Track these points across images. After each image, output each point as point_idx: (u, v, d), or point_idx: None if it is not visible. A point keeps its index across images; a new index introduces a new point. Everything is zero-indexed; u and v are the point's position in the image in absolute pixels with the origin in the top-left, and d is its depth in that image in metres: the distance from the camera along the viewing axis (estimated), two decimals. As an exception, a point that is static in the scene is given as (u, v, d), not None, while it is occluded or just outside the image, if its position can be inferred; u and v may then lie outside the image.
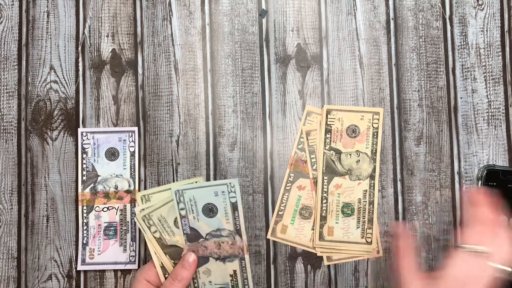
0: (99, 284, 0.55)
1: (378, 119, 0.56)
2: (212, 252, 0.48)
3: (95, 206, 0.55)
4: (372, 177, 0.55)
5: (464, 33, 0.58)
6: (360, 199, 0.55)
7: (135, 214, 0.49)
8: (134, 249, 0.55)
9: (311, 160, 0.55)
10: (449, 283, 0.42)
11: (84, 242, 0.55)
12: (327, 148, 0.55)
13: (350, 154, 0.55)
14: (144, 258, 0.55)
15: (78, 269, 0.55)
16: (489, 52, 0.57)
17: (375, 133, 0.56)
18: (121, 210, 0.55)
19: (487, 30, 0.58)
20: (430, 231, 0.52)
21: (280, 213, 0.55)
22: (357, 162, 0.55)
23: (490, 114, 0.57)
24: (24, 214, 0.56)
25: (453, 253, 0.44)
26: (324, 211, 0.55)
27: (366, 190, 0.55)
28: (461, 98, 0.57)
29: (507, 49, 0.58)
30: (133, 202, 0.55)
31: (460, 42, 0.58)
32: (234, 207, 0.47)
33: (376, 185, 0.55)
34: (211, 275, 0.49)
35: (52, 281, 0.55)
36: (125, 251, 0.55)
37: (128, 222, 0.55)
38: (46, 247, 0.55)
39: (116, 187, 0.55)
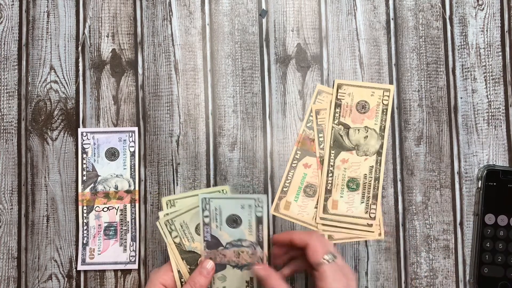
0: (99, 284, 0.55)
1: (389, 96, 0.56)
2: (230, 260, 0.48)
3: (95, 206, 0.55)
4: (379, 153, 0.55)
5: (464, 33, 0.58)
6: (366, 174, 0.55)
7: (158, 218, 0.49)
8: (134, 249, 0.55)
9: (318, 139, 0.55)
10: None
11: (84, 242, 0.55)
12: (335, 122, 0.55)
13: (358, 130, 0.55)
14: (144, 258, 0.55)
15: (78, 269, 0.55)
16: (489, 52, 0.57)
17: (385, 110, 0.56)
18: (121, 210, 0.55)
19: (487, 30, 0.58)
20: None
21: (284, 189, 0.55)
22: (365, 138, 0.55)
23: (490, 114, 0.57)
24: (24, 214, 0.56)
25: None
26: (330, 185, 0.55)
27: (372, 166, 0.55)
28: (461, 98, 0.57)
29: (507, 49, 0.58)
30: (133, 202, 0.55)
31: (460, 42, 0.58)
32: (259, 221, 0.47)
33: (383, 161, 0.55)
34: (226, 281, 0.49)
35: (52, 281, 0.55)
36: (125, 251, 0.55)
37: (128, 222, 0.55)
38: (46, 247, 0.55)
39: (116, 187, 0.55)
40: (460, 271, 0.56)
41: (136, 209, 0.55)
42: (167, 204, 0.50)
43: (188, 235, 0.49)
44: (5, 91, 0.57)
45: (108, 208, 0.55)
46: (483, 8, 0.58)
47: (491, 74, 0.57)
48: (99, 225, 0.55)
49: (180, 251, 0.49)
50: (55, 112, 0.57)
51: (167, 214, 0.48)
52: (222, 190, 0.50)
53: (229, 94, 0.57)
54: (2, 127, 0.57)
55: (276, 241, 0.50)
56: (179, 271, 0.48)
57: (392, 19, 0.58)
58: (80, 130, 0.56)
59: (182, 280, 0.48)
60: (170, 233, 0.48)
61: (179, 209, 0.48)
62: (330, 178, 0.55)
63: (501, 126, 0.57)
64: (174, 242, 0.49)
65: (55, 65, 0.57)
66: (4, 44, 0.57)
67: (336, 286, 0.43)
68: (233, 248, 0.48)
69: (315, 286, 0.45)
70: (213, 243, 0.48)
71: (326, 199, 0.55)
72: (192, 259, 0.49)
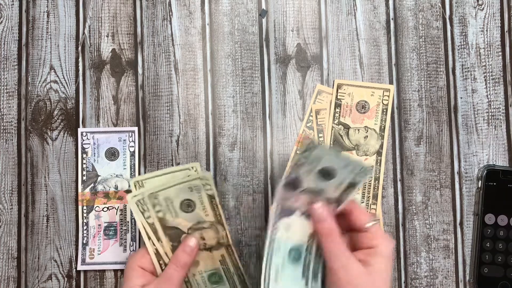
0: (99, 284, 0.55)
1: (389, 96, 0.56)
2: (301, 207, 0.45)
3: (95, 206, 0.55)
4: (379, 153, 0.55)
5: (464, 33, 0.58)
6: None
7: (131, 198, 0.46)
8: (134, 249, 0.55)
9: (318, 139, 0.56)
10: (385, 259, 0.42)
11: (84, 242, 0.55)
12: (335, 122, 0.55)
13: (358, 130, 0.56)
14: (144, 258, 0.55)
15: (78, 269, 0.55)
16: (489, 52, 0.57)
17: (385, 110, 0.56)
18: (121, 210, 0.55)
19: (487, 30, 0.58)
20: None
21: None
22: (365, 138, 0.55)
23: (490, 114, 0.57)
24: (24, 214, 0.56)
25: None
26: None
27: (372, 166, 0.55)
28: (461, 98, 0.57)
29: (507, 49, 0.58)
30: (133, 202, 0.55)
31: (460, 42, 0.58)
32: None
33: (383, 161, 0.55)
34: (290, 231, 0.45)
35: (52, 281, 0.55)
36: (125, 251, 0.55)
37: (128, 222, 0.55)
38: (46, 247, 0.55)
39: (116, 187, 0.55)
40: (460, 271, 0.56)
41: (136, 209, 0.55)
42: (135, 185, 0.48)
43: (172, 210, 0.47)
44: (5, 91, 0.57)
45: (108, 208, 0.55)
46: (483, 8, 0.58)
47: (491, 74, 0.57)
48: (99, 225, 0.55)
49: (164, 227, 0.47)
50: (55, 112, 0.57)
51: (148, 189, 0.47)
52: (192, 168, 0.49)
53: (229, 94, 0.57)
54: (2, 127, 0.57)
55: None
56: (157, 253, 0.47)
57: (392, 19, 0.58)
58: (80, 130, 0.56)
59: (160, 261, 0.47)
60: (153, 207, 0.47)
61: (163, 184, 0.47)
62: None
63: (501, 126, 0.57)
64: (158, 217, 0.47)
65: (55, 65, 0.57)
66: (4, 44, 0.57)
67: (389, 246, 0.43)
68: (309, 195, 0.44)
69: (362, 246, 0.43)
70: (293, 185, 0.44)
71: (326, 199, 0.55)
72: (175, 235, 0.48)
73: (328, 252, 0.42)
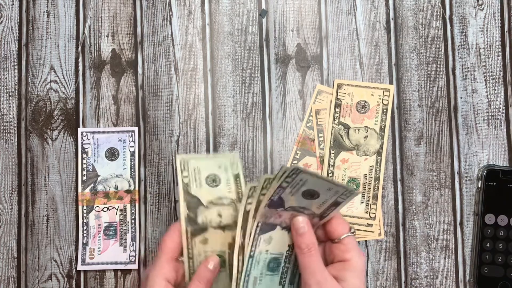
0: (99, 284, 0.55)
1: (389, 96, 0.56)
2: (283, 222, 0.45)
3: (95, 206, 0.55)
4: (379, 153, 0.55)
5: (464, 33, 0.58)
6: (366, 174, 0.55)
7: (175, 156, 0.46)
8: (134, 249, 0.55)
9: (318, 139, 0.56)
10: (358, 274, 0.42)
11: (84, 242, 0.55)
12: (335, 122, 0.56)
13: (358, 130, 0.56)
14: (144, 258, 0.55)
15: (78, 269, 0.55)
16: (489, 52, 0.57)
17: (385, 110, 0.56)
18: (121, 210, 0.55)
19: (487, 30, 0.58)
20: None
21: None
22: (365, 138, 0.55)
23: (490, 114, 0.57)
24: (24, 214, 0.56)
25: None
26: None
27: (372, 166, 0.55)
28: (461, 98, 0.57)
29: (507, 49, 0.58)
30: (133, 202, 0.55)
31: (460, 42, 0.58)
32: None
33: (383, 161, 0.55)
34: (271, 244, 0.45)
35: (52, 281, 0.55)
36: (125, 251, 0.55)
37: (128, 222, 0.55)
38: (46, 247, 0.55)
39: (116, 187, 0.55)
40: (460, 271, 0.56)
41: (136, 209, 0.55)
42: (181, 163, 0.48)
43: (198, 180, 0.47)
44: (5, 91, 0.57)
45: (108, 208, 0.55)
46: (483, 8, 0.58)
47: (491, 74, 0.57)
48: (99, 225, 0.55)
49: (185, 192, 0.47)
50: (55, 112, 0.57)
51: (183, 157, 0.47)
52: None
53: (229, 94, 0.57)
54: (2, 127, 0.57)
55: None
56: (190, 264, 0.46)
57: (392, 19, 0.58)
58: (80, 130, 0.56)
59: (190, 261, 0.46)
60: (181, 172, 0.46)
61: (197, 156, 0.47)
62: (330, 178, 0.55)
63: (501, 126, 0.57)
64: (183, 182, 0.46)
65: (55, 65, 0.57)
66: (4, 44, 0.57)
67: (362, 259, 0.43)
68: (293, 212, 0.44)
69: (335, 259, 0.43)
70: (276, 204, 0.44)
71: (326, 199, 0.55)
72: (193, 204, 0.47)
73: (304, 267, 0.42)
